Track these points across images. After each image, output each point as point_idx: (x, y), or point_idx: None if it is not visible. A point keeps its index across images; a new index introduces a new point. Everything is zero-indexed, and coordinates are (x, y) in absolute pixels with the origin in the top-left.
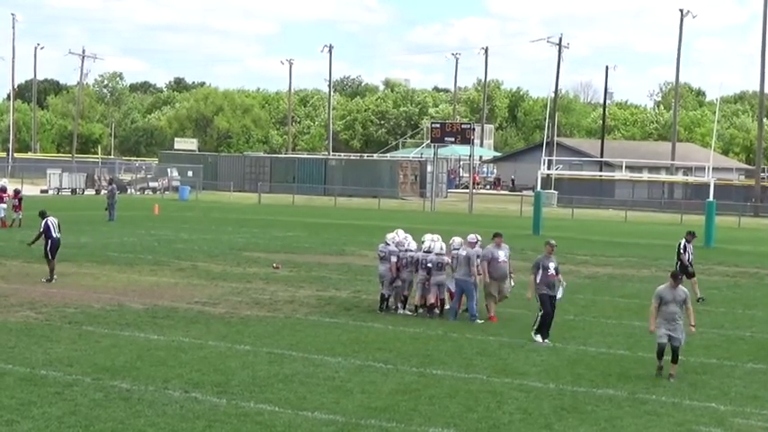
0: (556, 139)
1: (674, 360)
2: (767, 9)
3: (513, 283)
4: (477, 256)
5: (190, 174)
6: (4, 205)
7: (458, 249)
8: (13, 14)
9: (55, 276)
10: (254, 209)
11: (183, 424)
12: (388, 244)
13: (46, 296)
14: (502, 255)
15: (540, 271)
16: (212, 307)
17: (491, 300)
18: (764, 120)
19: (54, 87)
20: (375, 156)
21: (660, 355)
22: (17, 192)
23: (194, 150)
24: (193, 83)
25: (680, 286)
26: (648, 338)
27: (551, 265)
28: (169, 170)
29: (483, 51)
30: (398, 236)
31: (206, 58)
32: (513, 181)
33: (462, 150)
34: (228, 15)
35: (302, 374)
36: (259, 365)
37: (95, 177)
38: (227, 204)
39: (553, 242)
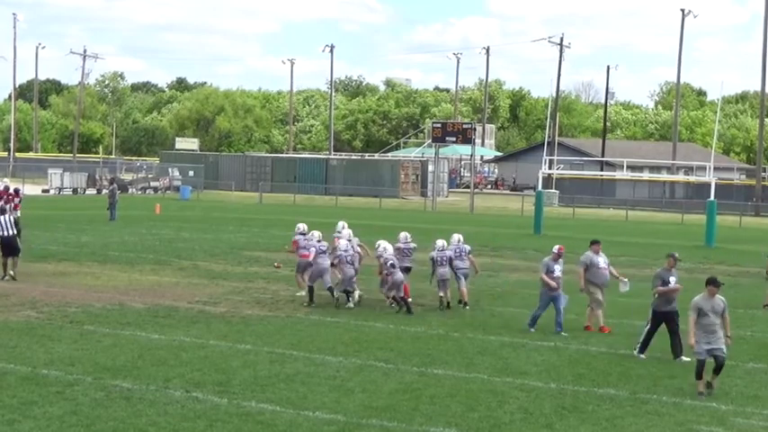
0: (557, 138)
1: (717, 372)
2: None
3: (628, 287)
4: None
5: (191, 173)
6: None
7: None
8: (14, 14)
9: (7, 275)
10: (255, 208)
11: (184, 423)
12: (320, 240)
13: (47, 295)
14: (602, 261)
15: (662, 286)
16: (213, 306)
17: (598, 307)
18: (765, 119)
19: (55, 87)
20: (376, 155)
21: (700, 374)
22: (17, 191)
23: (195, 150)
24: (195, 83)
25: (717, 295)
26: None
27: (672, 280)
28: (170, 170)
29: (484, 51)
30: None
31: (207, 57)
32: (513, 180)
33: (463, 150)
34: (229, 15)
35: (303, 374)
36: (260, 365)
37: (97, 177)
38: (228, 204)
39: (677, 255)
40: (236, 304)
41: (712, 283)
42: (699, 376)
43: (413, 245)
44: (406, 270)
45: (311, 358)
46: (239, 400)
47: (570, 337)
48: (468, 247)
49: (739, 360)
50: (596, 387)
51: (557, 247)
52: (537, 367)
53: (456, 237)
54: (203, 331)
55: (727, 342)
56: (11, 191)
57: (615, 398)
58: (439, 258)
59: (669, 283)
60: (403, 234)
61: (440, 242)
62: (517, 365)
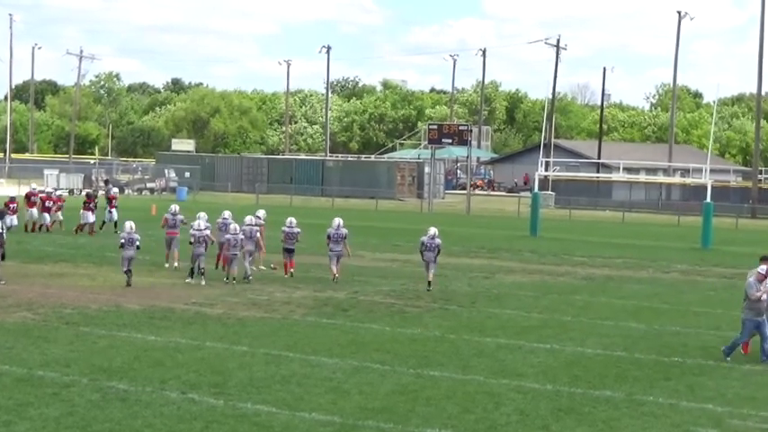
0: (553, 140)
1: None
2: (765, 11)
3: None
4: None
5: (187, 174)
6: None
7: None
8: (10, 15)
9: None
10: (252, 210)
11: (180, 425)
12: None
13: (43, 297)
14: None
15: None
16: (209, 308)
17: None
18: (762, 121)
19: (51, 88)
20: (372, 157)
21: None
22: (110, 190)
23: (191, 151)
24: (190, 83)
25: None
26: (647, 339)
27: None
28: (166, 171)
29: (481, 53)
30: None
31: (203, 58)
32: (516, 183)
33: (460, 152)
34: (226, 16)
35: (299, 375)
36: (256, 366)
37: (93, 178)
38: (224, 205)
39: None
40: (233, 306)
41: None
42: None
43: (297, 230)
44: (290, 251)
45: (307, 360)
46: (235, 402)
47: (566, 339)
48: (345, 231)
49: (736, 362)
50: (592, 389)
51: (764, 267)
52: (533, 369)
53: (336, 221)
54: (199, 333)
55: None
56: (112, 191)
57: (611, 399)
58: (428, 244)
59: None
60: (289, 219)
61: (432, 230)
62: (513, 367)
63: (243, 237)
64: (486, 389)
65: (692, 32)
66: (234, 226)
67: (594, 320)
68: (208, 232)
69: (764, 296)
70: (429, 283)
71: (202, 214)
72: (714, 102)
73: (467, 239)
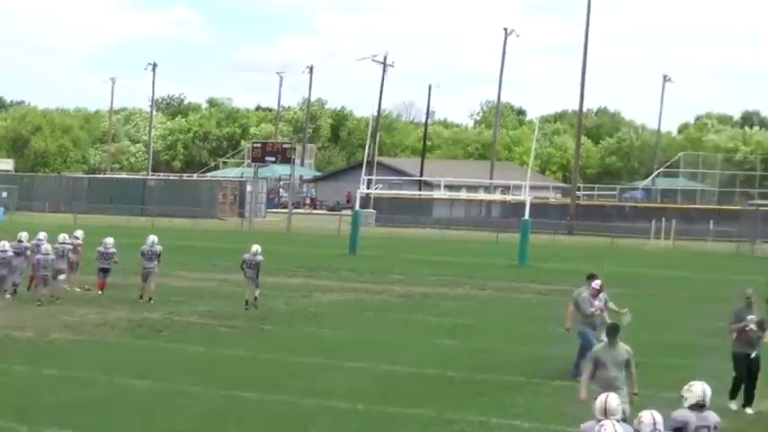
0: (377, 158)
1: None
2: (588, 30)
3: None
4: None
5: (4, 195)
6: None
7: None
8: None
9: None
10: (69, 229)
11: None
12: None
13: None
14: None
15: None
16: (19, 331)
17: None
18: (582, 138)
19: None
20: (195, 176)
21: None
22: None
23: (10, 171)
24: (12, 102)
25: (620, 344)
26: (459, 356)
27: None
28: None
29: (308, 70)
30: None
31: (27, 75)
32: (337, 202)
33: (283, 170)
34: (50, 32)
35: (109, 399)
36: (65, 390)
37: None
38: (39, 225)
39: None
40: (44, 328)
41: (610, 332)
42: None
43: (112, 250)
44: (105, 271)
45: (118, 383)
46: (41, 427)
47: (379, 357)
48: (159, 248)
49: (548, 378)
50: (403, 407)
51: (597, 282)
52: (344, 388)
53: (150, 239)
54: (7, 356)
55: (633, 399)
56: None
57: (421, 417)
58: (249, 261)
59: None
60: (104, 240)
61: (255, 247)
62: (325, 387)
63: (53, 257)
64: (297, 409)
65: (518, 50)
66: (45, 246)
67: (409, 338)
68: (28, 252)
69: (597, 311)
70: (247, 302)
71: (24, 234)
72: (536, 119)
73: (286, 258)
